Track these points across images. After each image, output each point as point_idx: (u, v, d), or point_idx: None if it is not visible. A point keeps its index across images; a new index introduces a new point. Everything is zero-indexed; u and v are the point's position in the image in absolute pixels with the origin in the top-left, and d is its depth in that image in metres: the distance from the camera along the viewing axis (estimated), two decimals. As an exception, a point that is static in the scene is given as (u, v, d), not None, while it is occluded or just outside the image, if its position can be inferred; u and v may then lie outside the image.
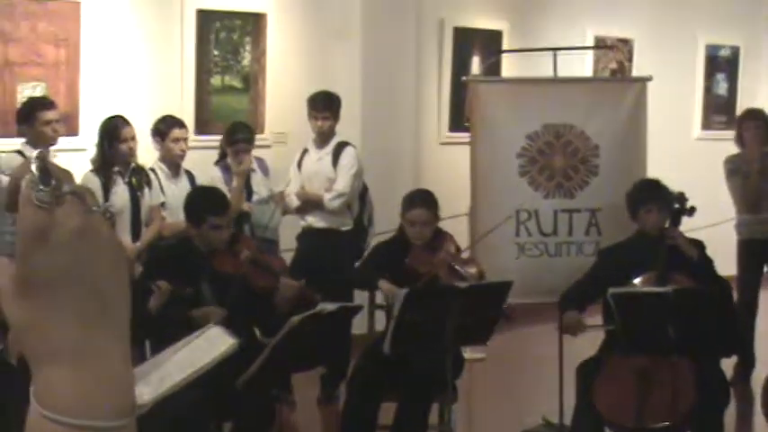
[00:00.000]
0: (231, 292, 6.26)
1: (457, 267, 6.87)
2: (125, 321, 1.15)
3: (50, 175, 1.10)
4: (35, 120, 7.48)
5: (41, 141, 7.46)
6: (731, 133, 13.13)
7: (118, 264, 1.14)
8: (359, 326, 7.32)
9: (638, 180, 7.40)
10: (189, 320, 5.74)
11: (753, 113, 9.57)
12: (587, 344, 6.89)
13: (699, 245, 6.88)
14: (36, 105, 7.66)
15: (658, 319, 6.16)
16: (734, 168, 9.16)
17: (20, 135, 7.62)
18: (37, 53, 8.47)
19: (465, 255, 7.26)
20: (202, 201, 6.79)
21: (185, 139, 8.24)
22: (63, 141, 7.81)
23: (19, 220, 1.11)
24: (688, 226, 7.14)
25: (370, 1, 9.99)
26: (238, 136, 8.31)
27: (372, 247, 8.11)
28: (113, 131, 7.72)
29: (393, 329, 6.21)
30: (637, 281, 6.53)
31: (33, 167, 1.10)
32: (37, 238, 1.09)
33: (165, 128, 8.16)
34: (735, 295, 8.59)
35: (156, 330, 5.78)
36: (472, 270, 6.95)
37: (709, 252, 6.97)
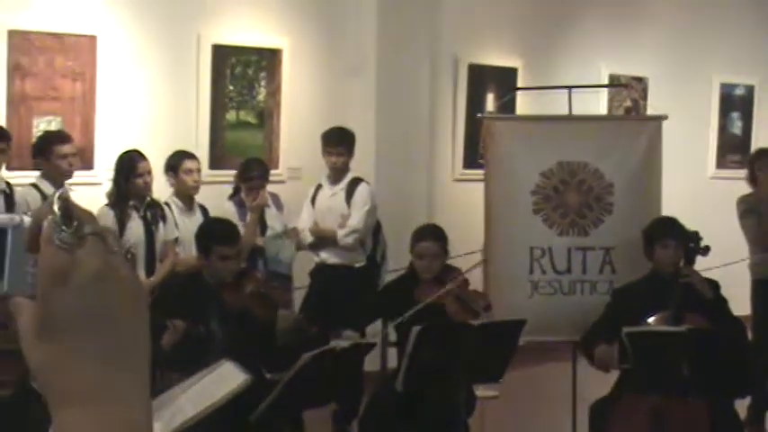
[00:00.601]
0: (232, 325, 6.26)
1: (463, 298, 6.87)
2: (145, 364, 1.15)
3: (72, 215, 1.10)
4: (51, 153, 7.52)
5: (57, 175, 7.51)
6: (746, 172, 13.16)
7: (138, 306, 1.14)
8: (371, 362, 7.30)
9: (656, 217, 7.41)
10: None
11: (765, 153, 9.55)
12: (601, 382, 6.86)
13: (713, 284, 6.86)
14: (52, 139, 7.70)
15: (672, 358, 6.13)
16: (747, 208, 9.13)
17: (35, 168, 7.67)
18: (53, 87, 8.52)
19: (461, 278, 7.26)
20: (212, 230, 6.81)
21: (198, 170, 8.27)
22: (78, 175, 7.85)
23: (40, 260, 1.11)
24: (702, 265, 7.12)
25: (385, 38, 10.02)
26: (253, 173, 8.34)
27: (383, 286, 8.12)
28: (130, 166, 7.75)
29: (406, 367, 6.19)
30: (651, 320, 6.52)
31: (56, 208, 1.10)
32: (58, 280, 1.09)
33: (177, 161, 8.19)
34: (749, 335, 8.56)
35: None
36: (479, 301, 6.96)
37: (724, 292, 6.95)
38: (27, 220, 1.15)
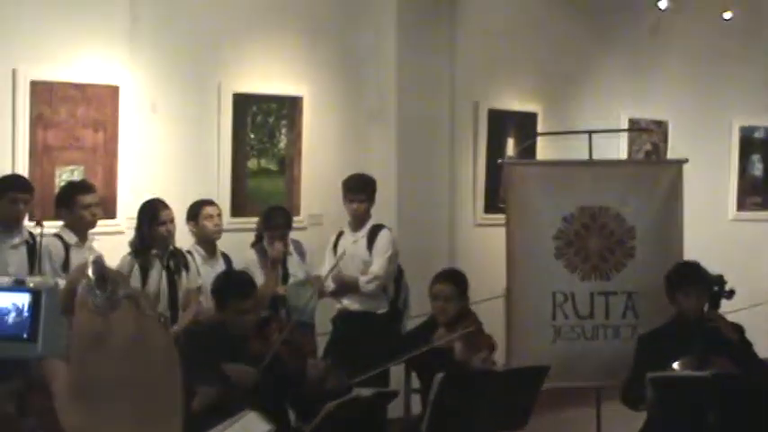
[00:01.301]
0: (259, 372, 6.24)
1: (469, 338, 6.88)
2: (177, 423, 1.15)
3: (107, 280, 1.10)
4: (74, 204, 7.54)
5: (80, 225, 7.54)
6: (766, 214, 13.12)
7: (171, 367, 1.14)
8: (395, 409, 7.27)
9: (678, 262, 7.36)
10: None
11: None
12: (626, 428, 6.81)
13: (738, 328, 6.82)
14: (75, 189, 7.73)
15: (698, 403, 6.08)
16: None
17: (58, 218, 7.68)
18: (75, 137, 8.54)
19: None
20: (227, 284, 6.82)
21: (218, 215, 8.30)
22: (101, 225, 7.87)
23: (75, 324, 1.11)
24: (725, 308, 7.07)
25: (405, 83, 10.04)
26: (276, 221, 8.35)
27: (404, 333, 8.10)
28: (153, 214, 7.77)
29: (430, 414, 6.16)
30: (676, 365, 6.47)
31: (90, 272, 1.11)
32: (93, 344, 1.10)
33: (197, 209, 8.24)
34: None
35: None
36: (484, 342, 6.97)
37: (749, 334, 6.91)
38: (61, 282, 1.15)
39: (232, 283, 6.80)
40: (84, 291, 1.09)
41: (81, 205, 7.56)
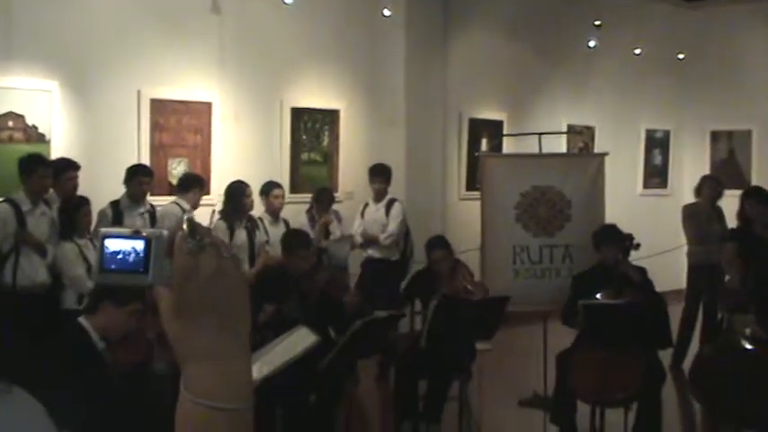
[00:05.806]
0: (308, 304, 6.25)
1: (470, 289, 6.84)
2: (247, 332, 1.16)
3: (196, 231, 1.11)
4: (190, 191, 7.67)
5: (193, 201, 7.63)
6: (664, 191, 13.07)
7: (242, 293, 1.15)
8: (403, 326, 7.29)
9: (601, 224, 7.34)
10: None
11: (708, 178, 9.61)
12: (564, 339, 6.82)
13: (642, 270, 6.80)
14: (193, 183, 7.82)
15: (615, 322, 6.09)
16: (690, 213, 9.09)
17: (171, 194, 7.72)
18: (181, 138, 8.57)
19: (476, 280, 7.21)
20: (293, 238, 6.82)
21: (282, 196, 8.31)
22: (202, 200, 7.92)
23: (173, 262, 1.12)
24: (634, 256, 7.05)
25: (411, 101, 10.05)
26: (323, 197, 8.40)
27: (411, 274, 8.11)
28: (241, 190, 7.82)
29: (427, 329, 6.18)
30: (599, 295, 6.47)
31: (184, 226, 1.12)
32: (186, 277, 1.10)
33: (268, 189, 8.24)
34: (683, 305, 8.51)
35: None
36: (480, 290, 6.94)
37: (649, 274, 6.88)
38: (165, 233, 1.16)
39: (297, 237, 6.79)
40: (180, 239, 1.09)
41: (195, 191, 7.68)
